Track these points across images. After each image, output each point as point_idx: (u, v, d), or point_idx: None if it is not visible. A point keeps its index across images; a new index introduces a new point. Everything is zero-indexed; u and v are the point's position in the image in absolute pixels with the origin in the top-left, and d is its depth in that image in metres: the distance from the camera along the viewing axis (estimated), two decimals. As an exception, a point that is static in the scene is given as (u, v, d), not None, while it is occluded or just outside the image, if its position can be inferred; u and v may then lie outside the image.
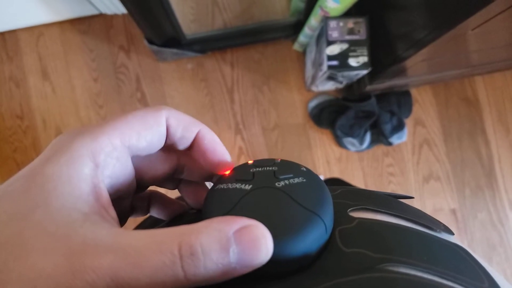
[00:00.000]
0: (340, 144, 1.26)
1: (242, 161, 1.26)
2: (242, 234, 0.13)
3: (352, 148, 1.26)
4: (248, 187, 0.18)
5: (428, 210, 1.29)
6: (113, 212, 0.16)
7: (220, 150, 0.21)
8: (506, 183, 1.31)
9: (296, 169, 0.20)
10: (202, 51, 1.23)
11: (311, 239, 0.15)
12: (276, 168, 0.20)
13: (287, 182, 0.18)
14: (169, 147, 0.21)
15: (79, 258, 0.12)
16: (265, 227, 0.14)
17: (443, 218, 1.29)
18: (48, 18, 1.24)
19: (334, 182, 0.81)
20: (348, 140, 1.24)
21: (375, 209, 0.18)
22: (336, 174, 1.27)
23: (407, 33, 0.83)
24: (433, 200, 1.30)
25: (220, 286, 0.14)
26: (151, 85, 1.27)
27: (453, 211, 1.30)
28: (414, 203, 1.26)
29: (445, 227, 0.19)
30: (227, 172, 0.21)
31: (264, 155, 1.27)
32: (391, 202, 0.21)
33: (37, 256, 0.12)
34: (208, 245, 0.12)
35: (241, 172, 0.20)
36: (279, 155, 1.28)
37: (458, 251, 0.16)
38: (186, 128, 0.20)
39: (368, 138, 1.24)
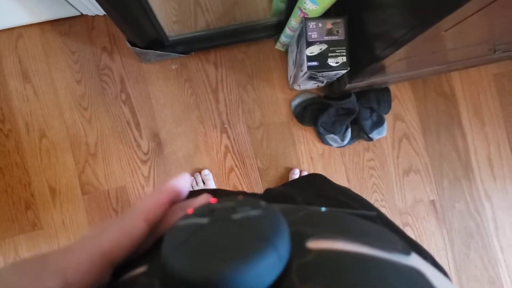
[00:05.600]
0: (323, 140, 1.29)
1: (228, 161, 1.28)
2: None
3: (334, 144, 1.29)
4: (205, 220, 0.19)
5: (408, 202, 1.34)
6: None
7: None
8: (482, 173, 1.37)
9: (255, 203, 0.20)
10: (186, 52, 1.24)
11: (263, 266, 0.15)
12: (235, 204, 0.20)
13: (243, 214, 0.19)
14: None
15: None
16: None
17: (423, 209, 1.34)
18: (26, 19, 1.22)
19: (315, 179, 0.83)
20: (330, 137, 1.27)
21: (333, 236, 0.19)
22: (319, 170, 1.30)
23: (385, 33, 0.85)
24: (413, 192, 1.35)
25: None
26: (136, 86, 1.28)
27: (432, 202, 1.35)
28: (395, 197, 1.31)
29: (403, 246, 0.20)
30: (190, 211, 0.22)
31: (250, 153, 1.30)
32: (350, 225, 0.21)
33: None
34: None
35: (201, 208, 0.21)
36: (264, 153, 1.30)
37: (412, 276, 0.17)
38: (161, 214, 0.22)
39: (349, 134, 1.27)
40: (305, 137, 1.32)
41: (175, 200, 0.23)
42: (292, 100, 1.29)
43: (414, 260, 0.19)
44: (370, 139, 1.29)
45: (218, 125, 1.29)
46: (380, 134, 1.29)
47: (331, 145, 1.30)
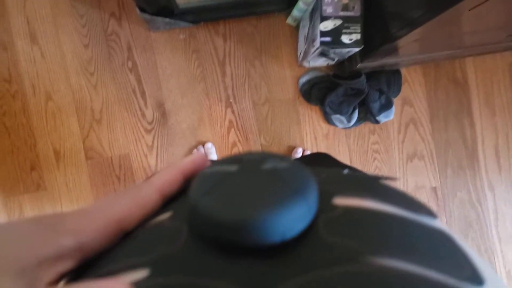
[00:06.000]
0: (329, 120, 1.28)
1: (231, 135, 1.28)
2: None
3: (340, 125, 1.28)
4: (233, 168, 0.19)
5: (410, 187, 1.34)
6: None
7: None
8: (487, 164, 1.35)
9: (282, 157, 0.20)
10: (195, 21, 1.21)
11: (294, 214, 0.15)
12: (263, 156, 0.20)
13: (273, 165, 0.19)
14: None
15: None
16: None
17: (424, 195, 1.34)
18: (36, -21, 1.20)
19: (320, 157, 0.82)
20: (337, 117, 1.26)
21: (359, 195, 0.19)
22: (322, 150, 1.30)
23: (403, 11, 0.82)
24: (415, 178, 1.34)
25: (198, 256, 0.15)
26: (143, 55, 1.26)
27: (434, 189, 1.34)
28: (397, 181, 1.31)
29: (428, 210, 0.20)
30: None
31: (254, 130, 1.29)
32: (375, 185, 0.21)
33: None
34: None
35: (229, 157, 0.21)
36: (268, 130, 1.29)
37: (440, 237, 0.17)
38: (175, 190, 0.23)
39: (356, 115, 1.25)
40: (310, 116, 1.30)
41: (189, 178, 0.24)
42: (300, 78, 1.27)
43: (440, 224, 0.19)
44: (377, 122, 1.27)
45: (223, 99, 1.28)
46: (387, 118, 1.27)
47: (336, 126, 1.29)
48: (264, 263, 0.14)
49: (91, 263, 0.18)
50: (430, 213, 0.19)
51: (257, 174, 0.18)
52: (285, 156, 0.20)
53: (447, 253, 0.16)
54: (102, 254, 0.18)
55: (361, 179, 0.22)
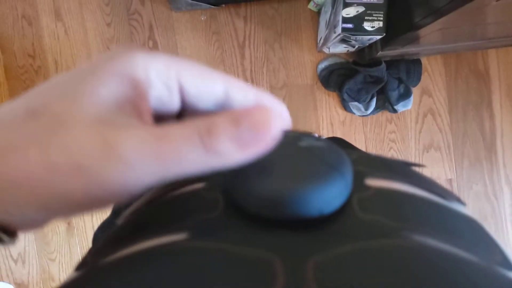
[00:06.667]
0: (346, 108, 1.28)
1: (248, 117, 1.28)
2: (251, 114, 0.13)
3: (357, 113, 1.27)
4: None
5: (424, 178, 1.33)
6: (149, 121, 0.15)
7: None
8: (505, 157, 1.33)
9: (317, 136, 0.21)
10: (217, 3, 1.21)
11: (333, 190, 0.15)
12: (298, 134, 0.20)
13: (309, 143, 0.18)
14: None
15: (114, 147, 0.12)
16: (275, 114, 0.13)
17: (438, 187, 1.33)
18: (62, -44, 1.21)
19: (337, 142, 0.82)
20: (354, 105, 1.25)
21: (391, 177, 0.19)
22: (338, 136, 1.30)
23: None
24: (431, 169, 1.33)
25: (235, 226, 0.15)
26: (164, 35, 1.27)
27: (450, 181, 1.34)
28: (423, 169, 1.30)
29: (457, 197, 0.20)
30: None
31: (270, 113, 1.29)
32: (406, 170, 0.21)
33: (79, 132, 0.12)
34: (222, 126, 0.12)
35: None
36: (285, 114, 1.29)
37: (471, 222, 0.17)
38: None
39: (373, 104, 1.25)
40: (328, 102, 1.30)
41: None
42: (319, 63, 1.27)
43: (469, 212, 0.19)
44: (395, 111, 1.27)
45: (241, 82, 1.28)
46: (405, 107, 1.26)
47: (353, 113, 1.28)
48: (301, 235, 0.15)
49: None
50: (459, 200, 0.20)
51: (294, 151, 0.18)
52: (319, 136, 0.20)
53: (478, 238, 0.16)
54: (128, 231, 0.18)
55: (392, 163, 0.22)
